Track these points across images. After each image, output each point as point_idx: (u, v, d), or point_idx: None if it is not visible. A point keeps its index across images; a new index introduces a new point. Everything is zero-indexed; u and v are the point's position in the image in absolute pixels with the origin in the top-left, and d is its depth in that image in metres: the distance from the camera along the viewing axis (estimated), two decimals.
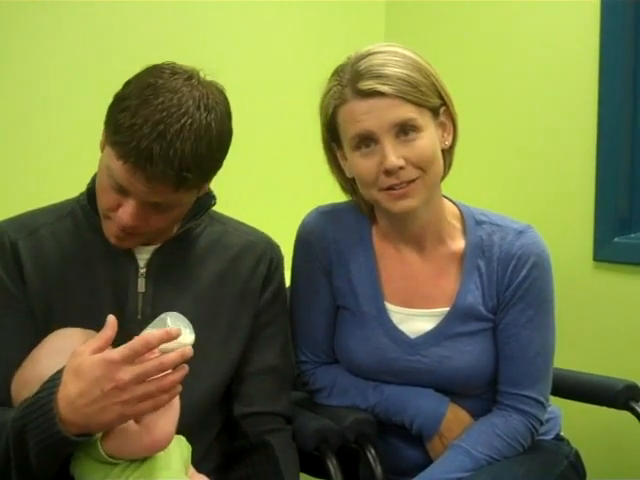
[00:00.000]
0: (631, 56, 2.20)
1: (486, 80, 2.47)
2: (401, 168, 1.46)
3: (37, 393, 1.22)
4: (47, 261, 1.43)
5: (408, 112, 1.46)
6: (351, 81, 1.48)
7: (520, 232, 1.58)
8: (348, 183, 1.61)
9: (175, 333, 1.18)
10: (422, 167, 1.48)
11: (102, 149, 1.38)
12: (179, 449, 1.30)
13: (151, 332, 1.19)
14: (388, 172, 1.47)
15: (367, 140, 1.48)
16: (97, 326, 1.29)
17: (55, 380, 1.21)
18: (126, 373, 1.16)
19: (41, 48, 2.08)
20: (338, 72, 1.52)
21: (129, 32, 2.16)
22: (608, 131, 2.22)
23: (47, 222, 1.47)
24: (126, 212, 1.33)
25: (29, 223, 1.46)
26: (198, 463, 1.40)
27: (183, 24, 2.27)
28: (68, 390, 1.18)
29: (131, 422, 1.22)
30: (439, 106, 1.52)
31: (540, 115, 2.38)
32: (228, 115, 1.38)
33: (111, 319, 1.21)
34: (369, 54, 1.49)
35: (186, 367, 1.20)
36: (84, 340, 1.26)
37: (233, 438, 1.53)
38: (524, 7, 2.41)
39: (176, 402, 1.26)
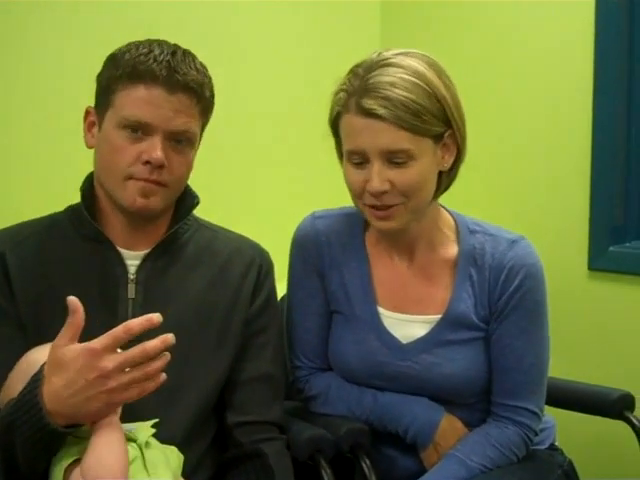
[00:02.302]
0: (625, 66, 2.20)
1: (479, 85, 2.47)
2: (384, 193, 1.47)
3: (22, 392, 1.21)
4: (35, 271, 1.43)
5: (402, 141, 1.45)
6: (357, 93, 1.46)
7: (513, 242, 1.58)
8: None
9: (156, 319, 1.17)
10: (407, 195, 1.48)
11: (99, 128, 1.42)
12: (165, 460, 1.29)
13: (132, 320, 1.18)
14: (371, 194, 1.48)
15: (359, 157, 1.49)
16: (88, 333, 1.29)
17: (38, 375, 1.20)
18: (109, 361, 1.16)
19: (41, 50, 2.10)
20: (353, 72, 1.50)
21: (126, 31, 2.16)
22: (602, 140, 2.22)
23: (33, 232, 1.47)
24: (152, 148, 1.38)
25: (15, 235, 1.47)
26: (191, 473, 1.39)
27: (176, 24, 2.27)
28: (52, 383, 1.18)
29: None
30: (443, 132, 1.50)
31: (535, 124, 2.39)
32: None
33: (72, 302, 1.19)
34: (384, 65, 1.46)
35: (168, 355, 1.19)
36: None
37: (226, 448, 1.52)
38: (519, 7, 2.41)
39: (118, 435, 1.21)
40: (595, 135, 2.23)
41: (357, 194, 1.51)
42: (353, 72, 1.50)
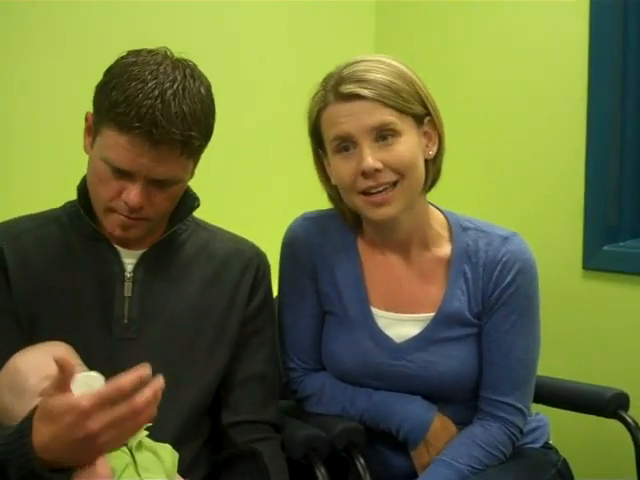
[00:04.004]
0: (620, 65, 2.20)
1: (474, 84, 2.47)
2: (378, 171, 1.48)
3: (13, 435, 1.17)
4: (32, 266, 1.42)
5: (387, 116, 1.48)
6: (334, 86, 1.50)
7: (506, 238, 1.58)
8: (335, 191, 1.62)
9: (146, 376, 1.13)
10: (400, 171, 1.49)
11: (91, 145, 1.39)
12: (158, 461, 1.28)
13: (124, 377, 1.13)
14: (365, 174, 1.48)
15: (346, 142, 1.50)
16: (82, 331, 1.29)
17: (27, 423, 1.17)
18: (97, 422, 1.11)
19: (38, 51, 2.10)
20: (325, 79, 1.55)
21: (118, 33, 2.17)
22: (597, 139, 2.22)
23: (32, 227, 1.47)
24: (132, 192, 1.35)
25: (13, 228, 1.46)
26: (186, 471, 1.39)
27: (173, 25, 2.27)
28: (41, 433, 1.14)
29: None
30: (423, 115, 1.53)
31: (528, 122, 2.39)
32: (210, 86, 1.43)
33: (60, 360, 1.12)
34: (355, 62, 1.52)
35: (158, 398, 1.15)
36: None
37: (222, 447, 1.52)
38: (514, 9, 2.41)
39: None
40: (589, 134, 2.23)
41: (349, 185, 1.51)
42: (327, 77, 1.55)
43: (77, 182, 1.47)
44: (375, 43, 2.72)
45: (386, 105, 1.47)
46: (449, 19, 2.58)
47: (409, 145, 1.50)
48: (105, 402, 1.11)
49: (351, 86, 1.48)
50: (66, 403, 1.12)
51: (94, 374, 1.26)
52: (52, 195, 1.54)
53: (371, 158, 1.47)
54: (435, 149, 1.56)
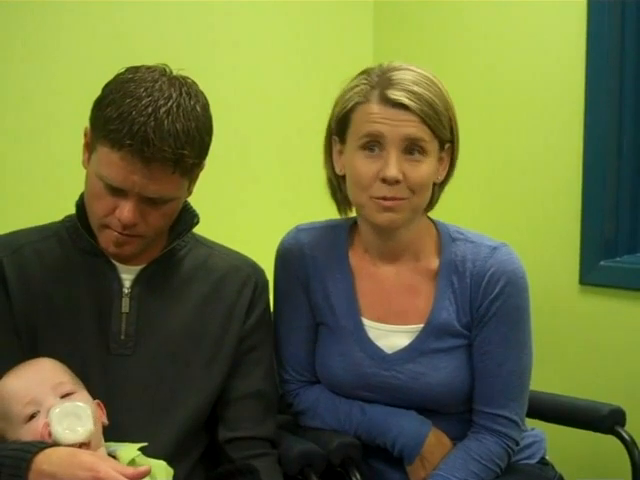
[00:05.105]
0: (616, 79, 2.20)
1: (471, 92, 2.46)
2: (397, 182, 1.48)
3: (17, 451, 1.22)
4: (31, 279, 1.43)
5: (422, 133, 1.49)
6: (380, 85, 1.50)
7: (494, 249, 1.58)
8: (336, 180, 1.62)
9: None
10: (414, 190, 1.50)
11: (88, 161, 1.40)
12: (150, 478, 1.28)
13: None
14: (385, 181, 1.48)
15: (375, 143, 1.50)
16: (80, 346, 1.29)
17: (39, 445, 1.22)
18: None
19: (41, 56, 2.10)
20: (367, 72, 1.55)
21: (120, 39, 2.19)
22: (594, 153, 2.22)
23: (31, 241, 1.47)
24: (125, 209, 1.35)
25: (13, 241, 1.47)
26: None
27: (162, 26, 2.28)
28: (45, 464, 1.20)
29: None
30: (447, 141, 1.55)
31: (526, 136, 2.39)
32: (207, 103, 1.42)
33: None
34: (402, 68, 1.53)
35: None
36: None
37: (218, 463, 1.52)
38: (512, 10, 2.41)
39: None
40: (586, 148, 2.23)
41: (365, 185, 1.51)
42: (367, 72, 1.55)
43: (76, 197, 1.48)
44: (374, 43, 2.72)
45: (425, 123, 1.49)
46: (447, 20, 2.57)
47: (430, 167, 1.52)
48: None
49: (400, 94, 1.48)
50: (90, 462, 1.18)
51: (80, 404, 1.28)
52: (51, 208, 1.55)
53: (396, 168, 1.48)
54: (444, 174, 1.58)
